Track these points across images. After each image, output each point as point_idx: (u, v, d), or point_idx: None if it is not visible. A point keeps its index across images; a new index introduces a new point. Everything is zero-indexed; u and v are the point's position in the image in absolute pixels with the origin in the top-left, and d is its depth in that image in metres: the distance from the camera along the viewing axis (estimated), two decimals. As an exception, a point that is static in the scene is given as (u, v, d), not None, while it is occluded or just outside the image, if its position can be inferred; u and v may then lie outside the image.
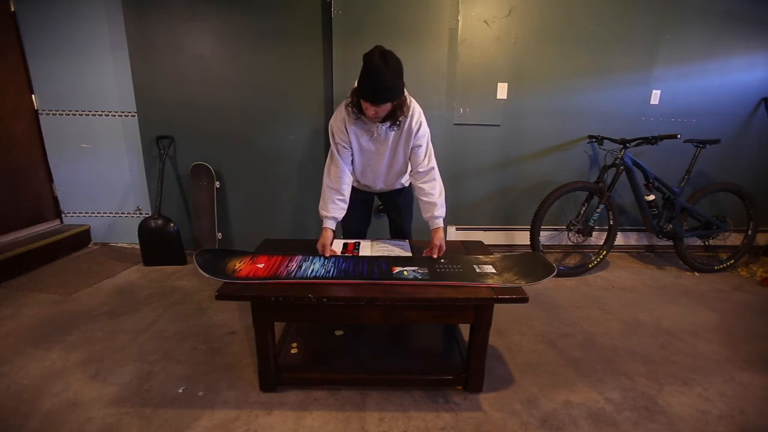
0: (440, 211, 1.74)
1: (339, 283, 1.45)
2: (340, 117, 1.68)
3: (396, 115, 1.58)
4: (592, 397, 1.53)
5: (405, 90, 1.58)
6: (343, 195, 1.73)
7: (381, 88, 1.46)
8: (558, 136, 3.02)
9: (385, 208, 2.14)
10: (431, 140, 1.77)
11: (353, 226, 2.05)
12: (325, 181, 1.74)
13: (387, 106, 1.53)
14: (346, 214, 1.79)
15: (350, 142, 1.70)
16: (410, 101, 1.64)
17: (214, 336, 1.91)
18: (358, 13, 2.63)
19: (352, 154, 1.75)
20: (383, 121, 1.60)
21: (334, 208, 1.73)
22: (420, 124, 1.67)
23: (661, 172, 2.84)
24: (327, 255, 1.67)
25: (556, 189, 2.59)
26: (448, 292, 1.40)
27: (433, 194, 1.73)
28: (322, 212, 1.74)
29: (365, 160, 1.78)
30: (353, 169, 1.81)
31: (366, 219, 2.11)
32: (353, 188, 1.85)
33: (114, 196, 3.06)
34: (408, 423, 1.39)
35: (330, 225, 1.72)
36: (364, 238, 2.04)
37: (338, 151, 1.71)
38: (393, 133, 1.68)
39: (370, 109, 1.52)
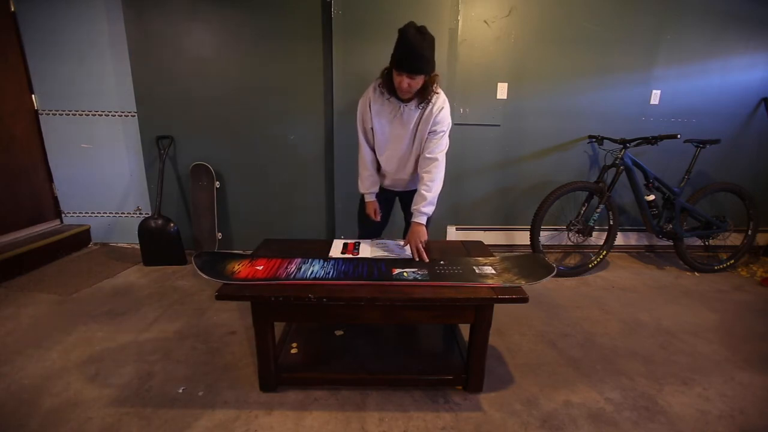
0: (427, 208, 1.73)
1: (339, 283, 1.45)
2: (366, 97, 1.74)
3: (427, 91, 1.61)
4: (592, 397, 1.53)
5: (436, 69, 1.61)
6: (370, 170, 1.89)
7: (418, 57, 1.48)
8: (558, 136, 3.02)
9: (403, 210, 2.13)
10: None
11: (369, 222, 2.00)
12: (358, 161, 1.90)
13: (420, 79, 1.56)
14: (364, 210, 1.99)
15: (372, 123, 1.74)
16: (439, 89, 1.68)
17: (214, 336, 1.91)
18: (358, 13, 2.63)
19: (374, 134, 1.79)
20: (414, 97, 1.63)
21: (367, 184, 1.92)
22: (441, 110, 1.68)
23: (661, 172, 2.84)
24: (378, 219, 1.93)
25: (556, 189, 2.59)
26: (448, 292, 1.40)
27: (429, 187, 1.72)
28: (360, 189, 1.95)
29: (387, 143, 1.80)
30: (378, 155, 1.87)
31: (383, 218, 2.07)
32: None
33: (114, 196, 3.06)
34: (408, 423, 1.39)
35: (369, 198, 1.94)
36: (379, 233, 2.10)
37: (361, 132, 1.82)
38: (416, 115, 1.68)
39: (404, 81, 1.54)
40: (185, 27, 2.70)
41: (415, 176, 1.90)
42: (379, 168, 1.93)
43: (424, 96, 1.63)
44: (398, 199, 2.10)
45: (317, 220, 3.08)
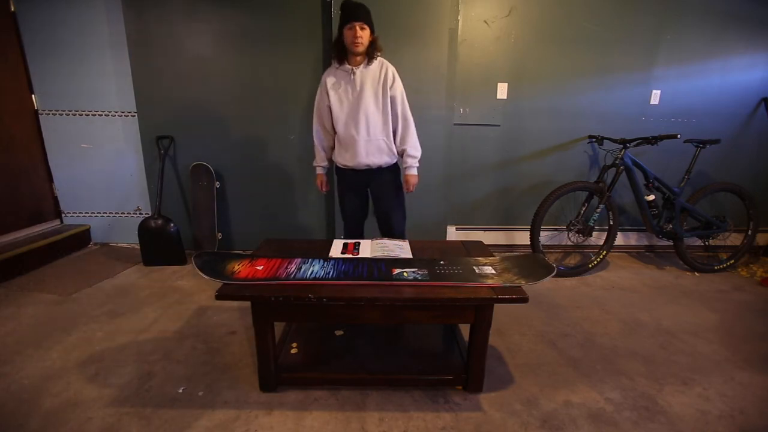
0: (413, 160, 2.07)
1: (339, 283, 1.45)
2: (322, 80, 2.01)
3: (373, 48, 1.91)
4: (592, 397, 1.53)
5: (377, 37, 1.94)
6: (321, 146, 2.14)
7: (358, 7, 1.84)
8: (558, 136, 3.02)
9: (372, 200, 2.20)
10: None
11: (347, 210, 2.21)
12: (314, 142, 2.15)
13: (367, 31, 1.86)
14: (341, 199, 2.21)
15: (328, 99, 1.98)
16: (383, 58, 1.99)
17: (214, 336, 1.91)
18: (358, 13, 2.63)
19: (330, 111, 2.01)
20: (364, 58, 1.91)
21: (318, 159, 2.18)
22: (395, 77, 1.97)
23: (661, 172, 2.84)
24: (324, 191, 2.23)
25: (556, 189, 2.59)
26: (448, 292, 1.40)
27: (408, 144, 2.05)
28: (314, 164, 2.20)
29: (344, 110, 1.97)
30: (337, 128, 2.03)
31: (360, 206, 2.21)
32: (344, 171, 2.12)
33: (114, 196, 3.07)
34: (408, 423, 1.39)
35: (319, 170, 2.21)
36: (361, 226, 2.25)
37: (317, 116, 2.07)
38: (368, 76, 1.93)
39: (356, 30, 1.82)
40: (185, 27, 2.70)
41: (378, 137, 2.01)
42: (332, 148, 2.14)
43: (371, 54, 1.92)
44: (369, 192, 2.18)
45: (317, 220, 3.08)
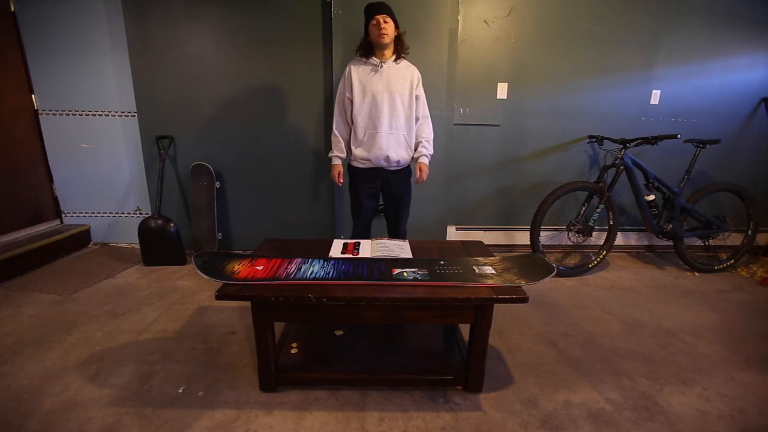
0: (425, 151, 2.12)
1: (339, 283, 1.45)
2: (347, 70, 2.02)
3: (401, 44, 1.98)
4: (592, 397, 1.53)
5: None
6: (339, 139, 2.11)
7: (378, 3, 1.91)
8: (558, 136, 3.02)
9: (384, 200, 2.22)
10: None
11: (362, 211, 2.20)
12: (332, 136, 2.14)
13: (392, 24, 1.91)
14: (356, 200, 2.19)
15: (352, 91, 1.99)
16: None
17: (214, 336, 1.91)
18: (358, 13, 2.62)
19: (352, 105, 2.02)
20: (392, 53, 1.98)
21: (335, 150, 2.13)
22: (420, 79, 2.06)
23: (661, 172, 2.84)
24: (341, 181, 2.16)
25: (556, 189, 2.59)
26: (448, 292, 1.40)
27: (427, 140, 2.13)
28: (330, 154, 2.16)
29: (366, 101, 1.98)
30: (357, 121, 2.03)
31: (374, 208, 2.24)
32: (360, 172, 2.12)
33: (114, 196, 3.07)
34: (408, 423, 1.39)
35: (335, 161, 2.15)
36: (370, 225, 2.26)
37: (339, 110, 2.08)
38: (395, 72, 1.98)
39: (380, 23, 1.88)
40: (185, 27, 2.70)
41: (396, 140, 2.04)
42: (350, 141, 2.13)
43: (399, 50, 1.98)
44: (382, 192, 2.19)
45: (317, 220, 3.08)
